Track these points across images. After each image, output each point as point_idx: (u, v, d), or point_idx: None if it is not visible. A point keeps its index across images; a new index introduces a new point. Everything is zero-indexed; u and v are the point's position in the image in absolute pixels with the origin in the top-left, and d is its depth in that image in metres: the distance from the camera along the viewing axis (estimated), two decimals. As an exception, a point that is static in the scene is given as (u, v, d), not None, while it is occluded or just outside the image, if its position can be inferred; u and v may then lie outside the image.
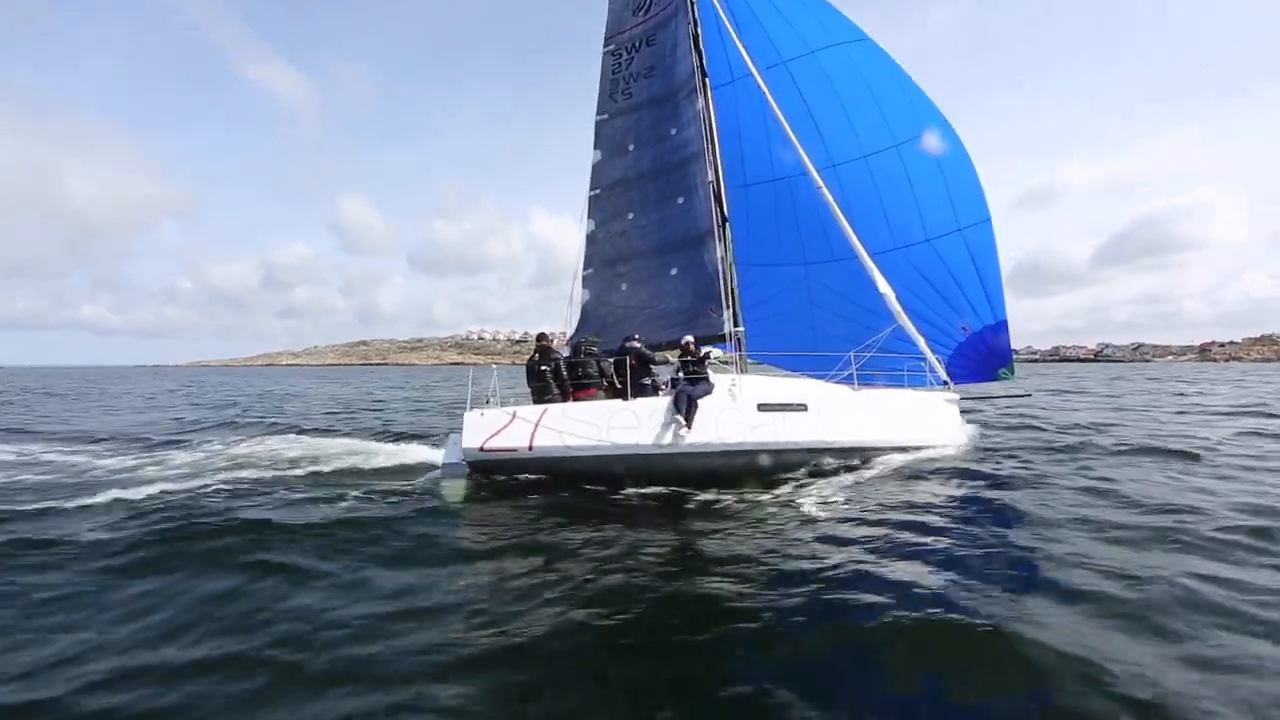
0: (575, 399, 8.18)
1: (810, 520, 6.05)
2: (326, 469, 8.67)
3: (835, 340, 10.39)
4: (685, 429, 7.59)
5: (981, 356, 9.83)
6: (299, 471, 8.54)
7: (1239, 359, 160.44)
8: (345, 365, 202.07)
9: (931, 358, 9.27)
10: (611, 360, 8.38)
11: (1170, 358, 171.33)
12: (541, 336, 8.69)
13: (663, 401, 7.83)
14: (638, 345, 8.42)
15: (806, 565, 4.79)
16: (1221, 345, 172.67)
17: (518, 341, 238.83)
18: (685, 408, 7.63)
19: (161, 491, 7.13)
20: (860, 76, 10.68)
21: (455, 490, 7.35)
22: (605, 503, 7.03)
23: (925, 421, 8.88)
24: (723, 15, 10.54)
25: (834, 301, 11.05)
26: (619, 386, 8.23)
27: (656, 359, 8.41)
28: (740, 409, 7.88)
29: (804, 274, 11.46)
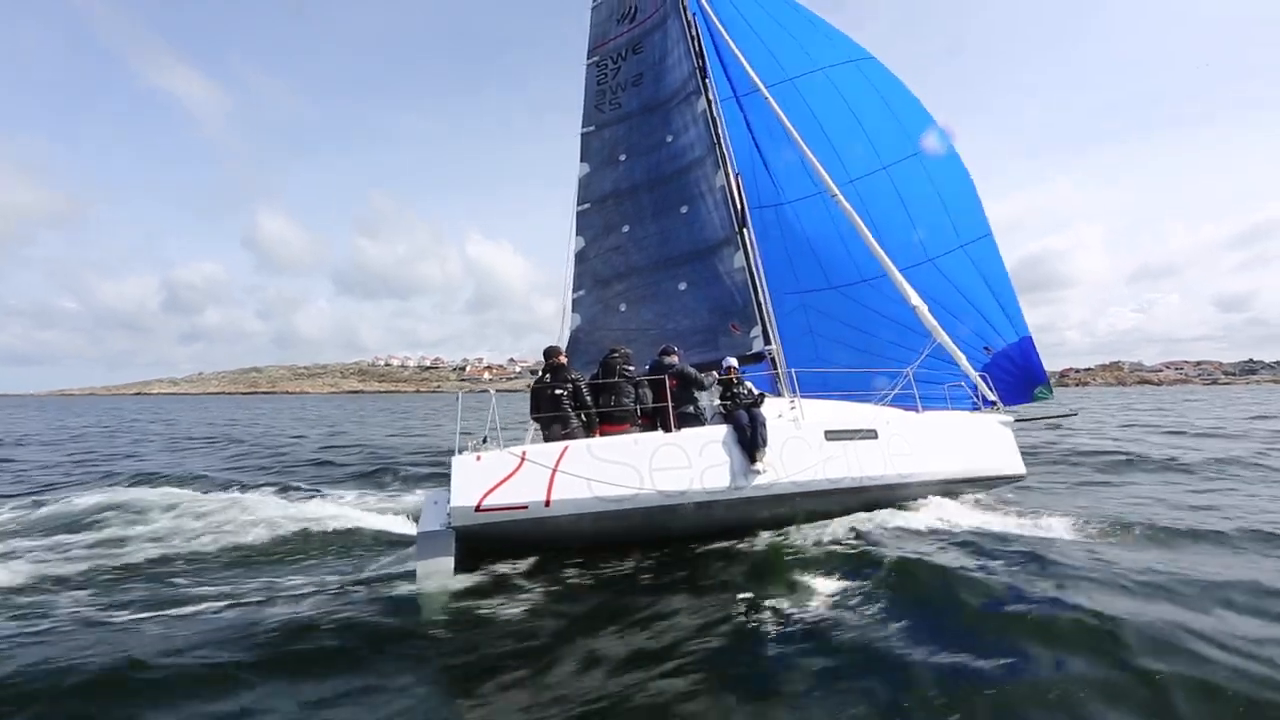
0: (600, 434, 6.39)
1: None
2: (212, 542, 6.24)
3: (844, 375, 9.56)
4: (759, 463, 6.16)
5: (1013, 377, 9.30)
6: (157, 553, 5.98)
7: (1086, 383, 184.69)
8: (229, 394, 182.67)
9: (975, 375, 8.56)
10: (648, 384, 6.70)
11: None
12: (553, 352, 6.62)
13: (716, 432, 6.31)
14: (677, 361, 6.80)
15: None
16: (1077, 371, 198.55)
17: (428, 368, 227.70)
18: (754, 434, 6.21)
19: None
20: (842, 101, 10.44)
21: (438, 583, 4.99)
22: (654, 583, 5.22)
23: (990, 448, 8.02)
24: (721, 28, 10.13)
25: (839, 332, 10.48)
26: (652, 416, 6.62)
27: (707, 382, 6.80)
28: (806, 438, 6.59)
29: (799, 303, 10.93)
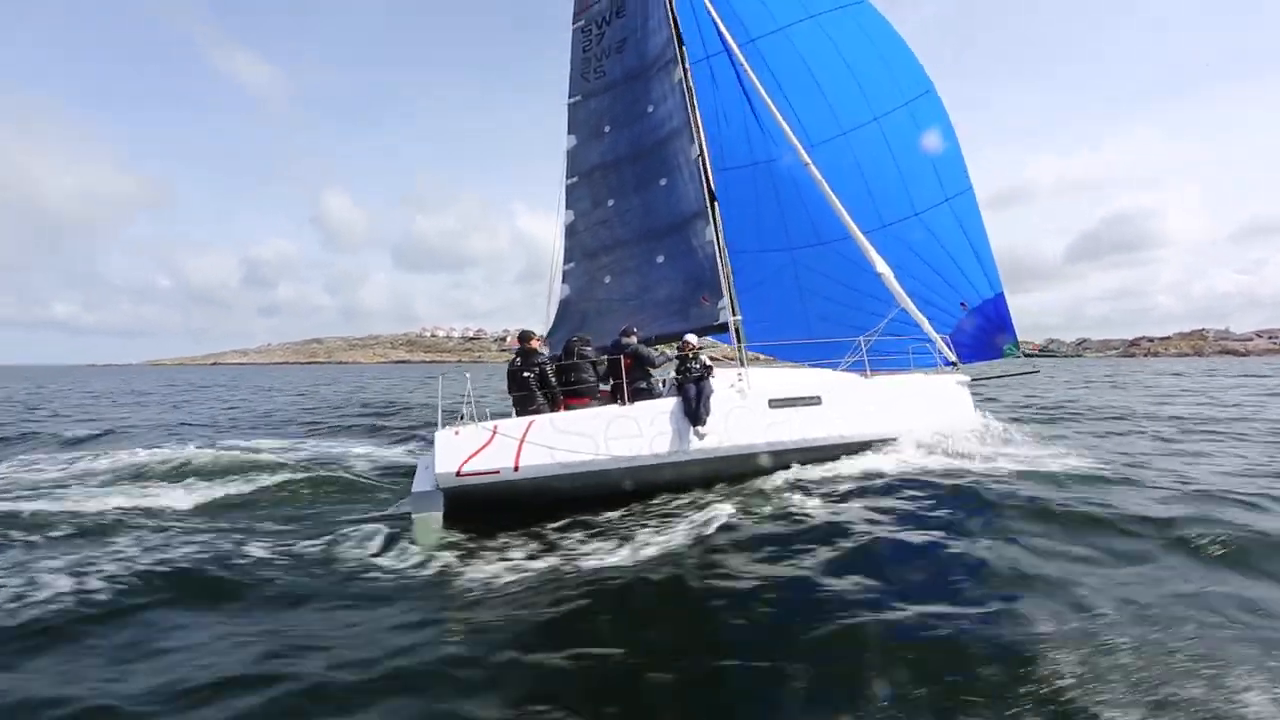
0: (566, 408, 7.19)
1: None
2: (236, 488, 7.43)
3: (830, 328, 9.97)
4: (701, 430, 6.81)
5: (985, 333, 9.45)
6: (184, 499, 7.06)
7: (1157, 354, 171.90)
8: (290, 364, 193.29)
9: (937, 339, 8.85)
10: (606, 362, 7.39)
11: (1112, 352, 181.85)
12: (526, 336, 7.41)
13: (666, 404, 7.01)
14: (634, 342, 7.49)
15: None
16: (1150, 340, 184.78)
17: (471, 339, 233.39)
18: (698, 406, 6.82)
19: None
20: (835, 49, 10.30)
21: (429, 529, 5.89)
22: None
23: (941, 407, 8.41)
24: None
25: (826, 287, 10.57)
26: (612, 391, 7.35)
27: (658, 360, 7.47)
28: (750, 407, 7.19)
29: (790, 260, 10.99)
